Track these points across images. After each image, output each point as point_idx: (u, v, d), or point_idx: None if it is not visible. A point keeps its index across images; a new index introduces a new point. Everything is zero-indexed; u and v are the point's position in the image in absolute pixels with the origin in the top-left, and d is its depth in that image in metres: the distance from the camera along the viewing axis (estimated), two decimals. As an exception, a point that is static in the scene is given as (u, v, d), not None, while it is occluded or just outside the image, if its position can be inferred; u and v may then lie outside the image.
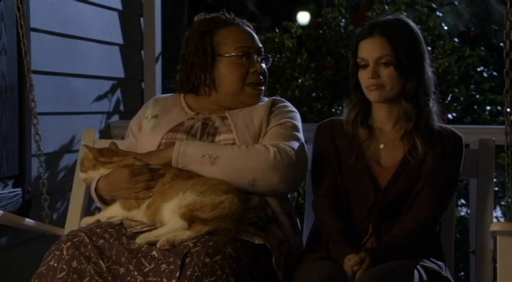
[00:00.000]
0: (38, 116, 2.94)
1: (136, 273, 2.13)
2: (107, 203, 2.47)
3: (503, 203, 4.85)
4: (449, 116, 4.32)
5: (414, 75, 2.40)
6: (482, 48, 4.91)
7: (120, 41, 4.00)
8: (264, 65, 2.60)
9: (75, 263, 2.18)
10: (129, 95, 4.08)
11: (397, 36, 2.39)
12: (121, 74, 4.02)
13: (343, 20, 4.50)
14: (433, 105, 2.45)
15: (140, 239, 2.21)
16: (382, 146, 2.46)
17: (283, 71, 4.28)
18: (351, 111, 2.49)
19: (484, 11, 10.64)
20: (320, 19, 4.62)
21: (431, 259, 2.36)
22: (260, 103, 2.58)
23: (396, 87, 2.40)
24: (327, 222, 2.41)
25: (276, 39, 4.36)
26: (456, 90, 4.49)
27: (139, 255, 2.16)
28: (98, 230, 2.25)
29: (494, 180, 2.70)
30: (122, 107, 4.02)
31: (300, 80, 4.33)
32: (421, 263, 2.30)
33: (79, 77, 3.60)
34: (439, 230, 2.50)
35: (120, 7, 3.99)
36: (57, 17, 3.39)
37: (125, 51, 4.04)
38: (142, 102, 4.10)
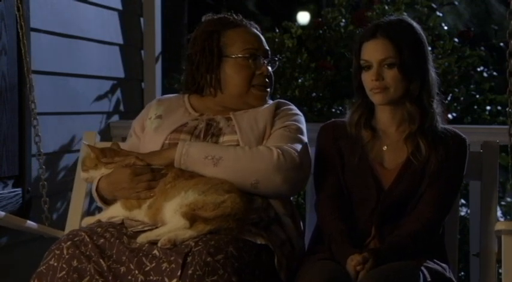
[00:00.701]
0: (38, 116, 2.94)
1: (137, 272, 2.12)
2: (108, 202, 2.47)
3: (503, 203, 4.85)
4: (449, 116, 4.32)
5: (418, 76, 2.39)
6: (482, 48, 4.91)
7: (120, 41, 4.00)
8: (270, 68, 2.59)
9: (75, 262, 2.17)
10: (129, 95, 4.08)
11: (400, 37, 2.38)
12: (121, 74, 4.02)
13: (343, 20, 4.50)
14: (437, 107, 2.45)
15: (141, 238, 2.20)
16: (385, 148, 2.46)
17: (283, 71, 4.29)
18: (354, 113, 2.49)
19: (484, 11, 10.64)
20: (320, 19, 4.62)
21: (435, 260, 2.35)
22: (265, 105, 2.57)
23: (400, 89, 2.39)
24: (329, 223, 2.40)
25: (276, 39, 4.37)
26: (456, 90, 4.50)
27: (140, 254, 2.15)
28: (99, 230, 2.25)
29: (496, 178, 2.69)
30: (122, 107, 4.02)
31: (300, 80, 4.33)
32: (425, 264, 2.29)
33: (79, 77, 3.60)
34: (443, 232, 2.49)
35: (120, 7, 3.99)
36: (57, 17, 3.39)
37: (125, 51, 4.04)
38: (142, 102, 4.11)
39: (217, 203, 2.22)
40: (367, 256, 2.23)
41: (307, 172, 2.47)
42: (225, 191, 2.27)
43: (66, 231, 2.68)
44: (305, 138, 2.51)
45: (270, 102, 2.61)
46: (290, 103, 2.63)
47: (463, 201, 4.60)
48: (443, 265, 2.37)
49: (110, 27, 3.91)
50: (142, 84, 4.22)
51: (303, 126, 2.54)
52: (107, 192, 2.44)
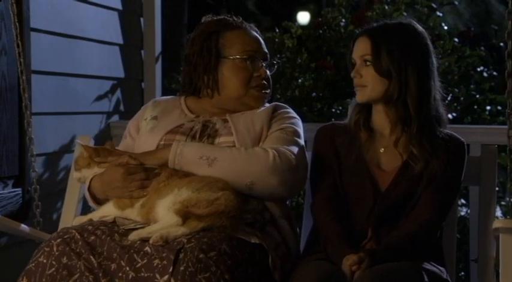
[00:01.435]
0: (38, 116, 2.93)
1: (128, 268, 2.10)
2: (100, 202, 2.45)
3: (503, 203, 4.85)
4: (449, 116, 4.32)
5: (398, 79, 2.38)
6: (482, 48, 4.92)
7: (120, 41, 4.00)
8: (268, 71, 2.59)
9: (65, 259, 2.15)
10: (129, 95, 4.08)
11: (383, 37, 2.39)
12: (121, 74, 4.02)
13: (343, 20, 4.50)
14: (437, 112, 2.43)
15: (133, 236, 2.18)
16: (382, 150, 2.46)
17: (283, 71, 4.28)
18: (353, 112, 2.50)
19: (484, 11, 10.64)
20: (320, 19, 4.62)
21: (432, 263, 2.35)
22: (262, 108, 2.57)
23: (378, 88, 2.40)
24: (325, 224, 2.40)
25: (276, 39, 4.37)
26: (456, 90, 4.50)
27: (132, 251, 2.14)
28: (90, 227, 2.23)
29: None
30: (122, 107, 4.02)
31: (300, 80, 4.33)
32: (422, 265, 2.28)
33: (79, 77, 3.60)
34: (440, 236, 2.49)
35: (120, 7, 3.99)
36: (57, 17, 3.39)
37: (125, 51, 4.04)
38: (142, 102, 4.11)
39: (210, 200, 2.21)
40: (363, 256, 2.22)
41: (304, 174, 2.45)
42: (219, 189, 2.25)
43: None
44: (302, 141, 2.50)
45: (267, 104, 2.61)
46: (287, 106, 2.63)
47: (463, 201, 4.60)
48: (441, 268, 2.36)
49: (110, 27, 3.91)
50: (142, 84, 4.22)
51: (300, 129, 2.54)
52: (100, 191, 2.43)
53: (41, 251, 2.20)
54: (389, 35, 2.41)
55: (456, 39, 4.66)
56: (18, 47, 2.80)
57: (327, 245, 2.35)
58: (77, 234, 2.20)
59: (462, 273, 4.22)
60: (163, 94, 4.25)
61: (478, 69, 4.91)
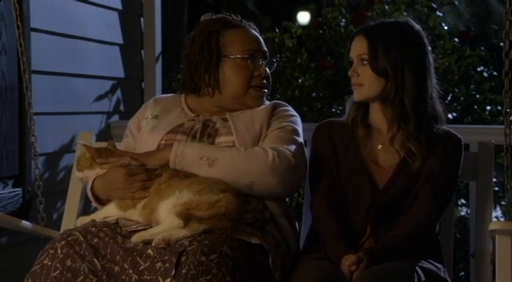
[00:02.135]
0: (38, 116, 2.93)
1: (131, 271, 2.11)
2: (102, 202, 2.46)
3: (503, 203, 4.85)
4: (449, 116, 4.32)
5: (394, 78, 2.38)
6: (482, 48, 4.92)
7: (120, 41, 4.01)
8: (268, 70, 2.59)
9: (69, 261, 2.16)
10: (129, 95, 4.08)
11: (379, 36, 2.40)
12: (121, 74, 4.02)
13: (343, 20, 4.50)
14: (434, 110, 2.44)
15: (135, 238, 2.19)
16: (380, 146, 2.46)
17: (283, 71, 4.29)
18: (351, 109, 2.50)
19: (484, 10, 10.64)
20: (320, 19, 4.62)
21: (430, 261, 2.35)
22: (261, 106, 2.57)
23: (374, 87, 2.40)
24: (324, 223, 2.40)
25: (276, 39, 4.37)
26: (456, 90, 4.50)
27: (134, 253, 2.14)
28: (93, 229, 2.24)
29: (494, 180, 2.70)
30: (122, 107, 4.02)
31: (300, 80, 4.33)
32: (419, 264, 2.28)
33: (79, 77, 3.60)
34: (438, 232, 2.49)
35: (120, 7, 3.99)
36: (57, 17, 3.39)
37: (125, 51, 4.04)
38: (142, 102, 4.09)
39: (211, 203, 2.22)
40: (362, 256, 2.22)
41: (303, 173, 2.46)
42: (220, 191, 2.26)
43: (62, 231, 2.67)
44: (301, 140, 2.50)
45: (267, 103, 2.61)
46: (287, 104, 2.63)
47: (463, 201, 4.60)
48: (438, 265, 2.36)
49: (110, 27, 3.91)
50: (143, 84, 4.23)
51: (299, 127, 2.54)
52: (102, 192, 2.43)
53: (45, 253, 2.21)
54: (385, 34, 2.41)
55: (456, 39, 4.67)
56: (21, 46, 2.81)
57: (326, 244, 2.35)
58: (80, 236, 2.21)
59: (462, 273, 4.22)
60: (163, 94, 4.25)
61: (478, 69, 4.92)
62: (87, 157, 2.43)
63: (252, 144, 2.43)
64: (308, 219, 2.61)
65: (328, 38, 4.48)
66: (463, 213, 4.61)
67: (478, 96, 4.75)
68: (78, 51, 3.59)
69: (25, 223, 2.73)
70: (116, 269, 2.13)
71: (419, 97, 2.40)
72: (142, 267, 2.11)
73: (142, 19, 4.20)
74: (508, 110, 2.44)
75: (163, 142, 2.48)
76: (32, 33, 3.15)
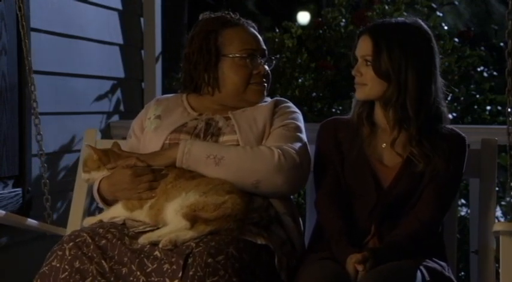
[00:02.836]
0: (39, 116, 2.93)
1: (138, 273, 2.12)
2: (109, 203, 2.46)
3: (503, 203, 4.85)
4: (450, 116, 4.32)
5: (396, 81, 2.37)
6: (482, 48, 4.92)
7: (120, 41, 4.01)
8: (267, 68, 2.59)
9: (77, 263, 2.17)
10: (129, 95, 4.08)
11: (383, 38, 2.38)
12: (121, 74, 4.02)
13: (343, 20, 4.50)
14: (436, 110, 2.43)
15: (143, 239, 2.20)
16: (384, 145, 2.46)
17: (283, 71, 4.29)
18: (356, 106, 2.50)
19: (484, 10, 10.64)
20: (320, 19, 4.62)
21: (434, 259, 2.35)
22: (263, 103, 2.58)
23: (376, 88, 2.39)
24: (329, 221, 2.40)
25: (276, 39, 4.37)
26: (456, 90, 4.50)
27: (142, 255, 2.16)
28: (101, 230, 2.25)
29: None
30: (122, 107, 4.02)
31: (300, 80, 4.33)
32: (424, 263, 2.29)
33: (79, 77, 3.60)
34: (442, 230, 2.49)
35: (120, 7, 3.99)
36: (57, 17, 3.39)
37: (125, 51, 4.04)
38: (142, 102, 4.11)
39: (217, 204, 2.23)
40: (367, 255, 2.23)
41: (307, 171, 2.47)
42: (226, 192, 2.27)
43: (68, 231, 2.68)
44: (304, 137, 2.51)
45: (268, 100, 2.62)
46: (288, 101, 2.64)
47: (463, 201, 4.60)
48: (442, 263, 2.37)
49: (110, 27, 3.91)
50: (143, 84, 4.23)
51: (302, 124, 2.55)
52: (108, 193, 2.44)
53: (54, 254, 2.21)
54: (391, 36, 2.38)
55: (456, 39, 4.66)
56: (25, 46, 2.81)
57: (330, 241, 2.35)
58: (88, 237, 2.22)
59: (462, 272, 4.22)
60: (163, 94, 4.25)
61: (478, 69, 4.91)
62: (95, 159, 2.43)
63: (255, 143, 2.44)
64: (312, 217, 2.62)
65: (328, 38, 4.48)
66: (463, 213, 4.61)
67: (478, 96, 4.75)
68: (78, 51, 3.59)
69: (31, 221, 2.75)
70: (124, 271, 2.14)
71: (421, 101, 2.38)
72: (149, 269, 2.13)
73: (142, 19, 4.20)
74: (510, 110, 2.43)
75: (167, 142, 2.48)
76: (32, 33, 3.15)
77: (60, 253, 2.20)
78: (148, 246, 2.18)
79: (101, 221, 2.38)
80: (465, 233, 3.87)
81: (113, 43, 3.93)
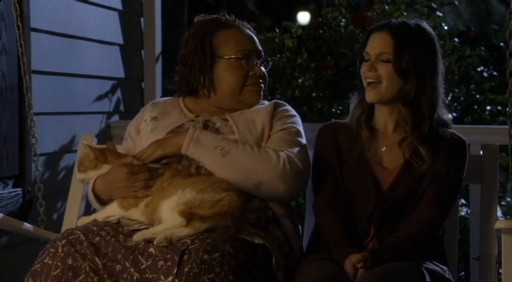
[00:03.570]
0: (38, 116, 2.92)
1: (132, 270, 2.11)
2: (103, 203, 2.45)
3: (503, 203, 4.85)
4: (450, 116, 4.32)
5: (415, 79, 2.37)
6: (482, 48, 4.92)
7: (120, 41, 4.00)
8: (263, 69, 2.59)
9: (70, 260, 2.16)
10: (129, 95, 4.08)
11: (405, 37, 2.37)
12: (121, 74, 4.02)
13: (343, 20, 4.50)
14: (442, 115, 2.44)
15: (137, 237, 2.18)
16: (384, 148, 2.45)
17: (283, 71, 4.29)
18: (356, 107, 2.49)
19: (484, 11, 10.63)
20: (320, 19, 4.62)
21: (434, 262, 2.34)
22: (261, 106, 2.57)
23: (393, 86, 2.38)
24: (327, 223, 2.40)
25: (276, 39, 4.37)
26: (456, 90, 4.50)
27: (136, 252, 2.14)
28: (94, 228, 2.24)
29: (496, 179, 2.68)
30: (122, 107, 4.02)
31: (300, 80, 4.33)
32: (424, 265, 2.28)
33: (79, 77, 3.60)
34: (442, 234, 2.48)
35: (120, 7, 3.99)
36: (57, 17, 3.39)
37: (125, 51, 4.04)
38: (142, 102, 4.11)
39: (214, 201, 2.21)
40: (367, 255, 2.22)
41: (308, 177, 2.47)
42: (223, 190, 2.26)
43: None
44: (304, 141, 2.50)
45: (266, 102, 2.61)
46: (286, 104, 2.63)
47: (463, 201, 4.60)
48: (443, 267, 2.36)
49: (110, 27, 3.91)
50: (143, 84, 4.23)
51: (301, 127, 2.54)
52: (104, 192, 2.43)
53: (46, 252, 2.20)
54: (411, 36, 2.38)
55: (456, 39, 4.66)
56: (21, 47, 2.80)
57: (329, 245, 2.35)
58: (81, 235, 2.20)
59: (462, 273, 4.22)
60: (164, 94, 4.25)
61: (478, 69, 4.91)
62: (91, 158, 2.43)
63: (254, 144, 2.43)
64: (311, 220, 2.61)
65: (328, 38, 4.47)
66: (463, 213, 4.61)
67: (478, 96, 4.75)
68: (78, 51, 3.59)
69: (27, 225, 2.72)
70: (118, 268, 2.13)
71: (435, 101, 2.40)
72: (144, 265, 2.11)
73: (142, 19, 4.20)
74: (511, 111, 2.43)
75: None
76: (32, 33, 3.15)
77: (52, 250, 2.19)
78: (142, 243, 2.16)
79: (95, 220, 2.36)
80: (465, 233, 3.87)
81: (113, 43, 3.93)
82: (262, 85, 2.59)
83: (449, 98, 4.43)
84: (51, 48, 3.35)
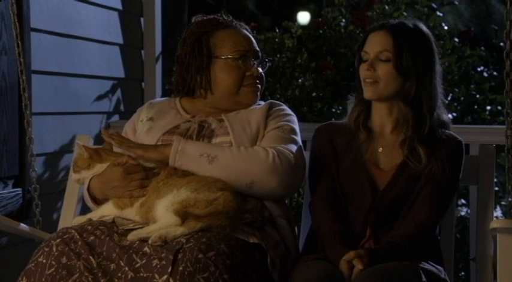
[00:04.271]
0: (38, 116, 2.93)
1: (127, 268, 2.10)
2: (98, 203, 2.45)
3: (503, 202, 4.85)
4: (450, 116, 4.32)
5: (415, 78, 2.37)
6: (482, 48, 4.91)
7: (120, 41, 4.01)
8: (260, 69, 2.59)
9: (64, 259, 2.16)
10: (129, 95, 4.08)
11: (404, 36, 2.37)
12: (121, 74, 4.02)
13: (343, 20, 4.50)
14: (441, 115, 2.44)
15: (132, 236, 2.18)
16: (381, 149, 2.45)
17: (283, 71, 4.28)
18: (354, 109, 2.49)
19: (484, 10, 10.64)
20: (320, 19, 4.62)
21: (430, 262, 2.35)
22: (257, 106, 2.57)
23: (392, 85, 2.38)
24: (323, 223, 2.40)
25: (276, 39, 4.37)
26: (456, 90, 4.49)
27: (131, 251, 2.14)
28: (89, 227, 2.24)
29: (495, 180, 2.68)
30: (122, 107, 4.02)
31: (300, 80, 4.33)
32: (420, 265, 2.28)
33: (79, 77, 3.60)
34: (439, 234, 2.48)
35: (120, 7, 3.99)
36: (57, 17, 3.39)
37: (125, 51, 4.04)
38: (142, 102, 4.11)
39: (209, 201, 2.21)
40: (362, 253, 2.22)
41: (303, 173, 2.46)
42: (218, 189, 2.25)
43: (58, 230, 2.67)
44: (299, 139, 2.50)
45: (262, 103, 2.61)
46: (282, 103, 2.63)
47: (463, 201, 4.60)
48: (439, 267, 2.36)
49: (110, 27, 3.91)
50: (143, 84, 4.23)
51: (296, 126, 2.54)
52: (99, 191, 2.43)
53: (41, 251, 2.20)
54: (410, 36, 2.39)
55: (456, 39, 4.66)
56: (18, 46, 2.80)
57: (325, 244, 2.35)
58: (76, 234, 2.20)
59: (462, 273, 4.22)
60: (164, 94, 4.26)
61: (478, 69, 4.91)
62: (85, 157, 2.43)
63: (249, 144, 2.43)
64: (308, 220, 2.61)
65: (328, 38, 4.47)
66: (463, 213, 4.61)
67: (478, 96, 4.75)
68: (78, 51, 3.59)
69: (23, 226, 2.72)
70: (112, 267, 2.12)
71: (435, 100, 2.40)
72: (138, 264, 2.10)
73: (142, 19, 4.20)
74: (509, 111, 2.43)
75: (159, 143, 2.48)
76: (32, 33, 3.15)
77: (47, 249, 2.19)
78: (137, 242, 2.16)
79: (90, 219, 2.36)
80: (465, 233, 3.87)
81: (113, 43, 3.93)
82: (259, 85, 2.59)
83: (449, 98, 4.44)
84: (51, 48, 3.35)
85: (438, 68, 2.44)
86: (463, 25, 9.31)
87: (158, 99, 2.77)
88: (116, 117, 3.95)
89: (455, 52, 4.47)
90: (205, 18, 2.62)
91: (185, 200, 2.21)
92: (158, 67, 4.25)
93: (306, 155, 2.51)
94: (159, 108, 2.61)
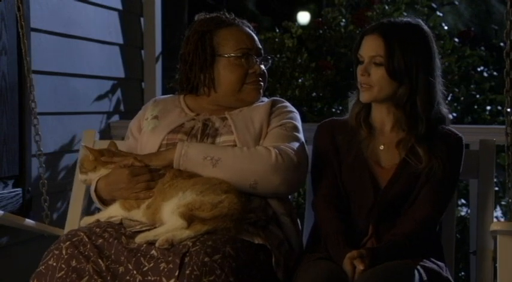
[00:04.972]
0: (38, 116, 2.93)
1: (135, 272, 2.12)
2: (106, 203, 2.46)
3: (503, 202, 4.85)
4: (450, 116, 4.32)
5: (409, 82, 2.36)
6: (482, 48, 4.92)
7: (120, 41, 4.01)
8: (263, 67, 2.60)
9: (74, 262, 2.17)
10: (129, 95, 4.08)
11: (396, 38, 2.36)
12: (121, 74, 4.02)
13: (343, 20, 4.50)
14: (441, 110, 2.43)
15: (139, 238, 2.20)
16: (382, 147, 2.46)
17: (283, 71, 4.29)
18: (355, 105, 2.49)
19: (484, 10, 10.64)
20: (320, 19, 4.62)
21: (432, 259, 2.35)
22: (260, 103, 2.58)
23: (386, 89, 2.38)
24: (326, 222, 2.40)
25: (276, 39, 4.37)
26: (456, 90, 4.50)
27: (139, 254, 2.16)
28: (97, 230, 2.25)
29: (495, 180, 2.68)
30: (122, 107, 4.02)
31: (300, 80, 4.33)
32: (421, 263, 2.29)
33: (79, 77, 3.60)
34: (439, 230, 2.49)
35: (120, 7, 3.99)
36: (57, 17, 3.39)
37: (125, 51, 4.04)
38: (142, 102, 4.11)
39: (214, 203, 2.22)
40: (364, 253, 2.23)
41: (305, 170, 2.47)
42: (223, 191, 2.27)
43: (66, 231, 2.68)
44: (301, 136, 2.51)
45: (265, 100, 2.62)
46: (285, 100, 2.64)
47: (463, 201, 4.60)
48: (440, 264, 2.37)
49: (110, 27, 3.91)
50: (143, 84, 4.23)
51: (299, 123, 2.55)
52: (105, 192, 2.44)
53: (51, 254, 2.22)
54: (401, 36, 2.37)
55: (456, 39, 4.66)
56: (24, 46, 2.82)
57: (327, 243, 2.35)
58: (85, 237, 2.22)
59: (462, 273, 4.22)
60: (163, 94, 4.25)
61: (478, 69, 4.91)
62: (91, 159, 2.43)
63: (253, 143, 2.44)
64: (310, 218, 2.62)
65: (328, 38, 4.47)
66: (463, 213, 4.61)
67: (478, 96, 4.75)
68: (78, 51, 3.59)
69: (29, 221, 2.74)
70: (121, 270, 2.14)
71: (430, 100, 2.39)
72: (146, 267, 2.13)
73: (142, 19, 4.20)
74: (508, 110, 2.43)
75: (164, 142, 2.49)
76: (32, 33, 3.15)
77: (56, 252, 2.20)
78: (145, 245, 2.18)
79: (98, 220, 2.38)
80: (465, 233, 3.87)
81: (112, 43, 3.93)
82: (261, 83, 2.60)
83: (449, 98, 4.44)
84: (51, 48, 3.35)
85: (437, 63, 2.42)
86: (463, 25, 9.32)
87: (162, 96, 2.78)
88: (116, 117, 3.95)
89: (455, 52, 4.47)
90: (208, 16, 2.63)
91: (191, 202, 2.22)
92: (158, 67, 4.25)
93: (308, 153, 2.51)
94: (164, 106, 2.62)
